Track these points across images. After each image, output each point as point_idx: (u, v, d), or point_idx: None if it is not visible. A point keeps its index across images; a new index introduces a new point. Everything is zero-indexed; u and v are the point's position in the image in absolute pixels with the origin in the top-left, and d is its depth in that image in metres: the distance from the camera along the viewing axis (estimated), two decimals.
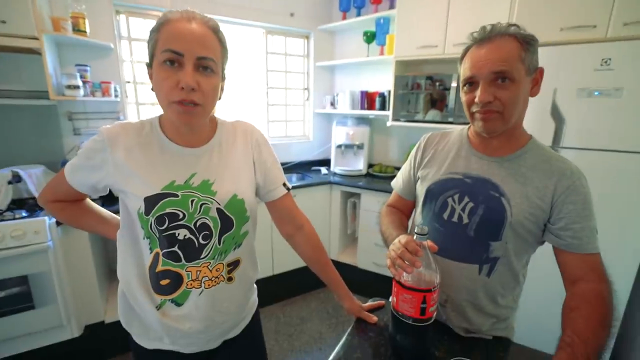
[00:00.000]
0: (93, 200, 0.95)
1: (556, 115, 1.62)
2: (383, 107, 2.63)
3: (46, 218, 1.57)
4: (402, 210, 1.05)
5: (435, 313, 0.74)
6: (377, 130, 2.95)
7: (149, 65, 0.72)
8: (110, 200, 1.80)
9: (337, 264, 0.99)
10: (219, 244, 0.78)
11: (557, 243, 0.78)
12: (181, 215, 0.73)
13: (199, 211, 0.74)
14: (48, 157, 2.00)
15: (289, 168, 2.94)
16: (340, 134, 2.80)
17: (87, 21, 1.88)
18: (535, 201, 0.78)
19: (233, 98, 2.74)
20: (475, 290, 0.84)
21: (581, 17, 1.56)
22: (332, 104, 3.03)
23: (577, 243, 0.75)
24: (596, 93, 1.51)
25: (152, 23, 0.69)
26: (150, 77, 0.72)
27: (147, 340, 0.82)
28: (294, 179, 2.75)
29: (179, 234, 0.74)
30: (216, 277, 0.79)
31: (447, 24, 2.11)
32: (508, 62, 0.72)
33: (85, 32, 1.87)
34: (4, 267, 1.49)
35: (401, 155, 2.83)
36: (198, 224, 0.75)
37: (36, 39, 1.64)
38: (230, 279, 0.82)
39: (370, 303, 0.99)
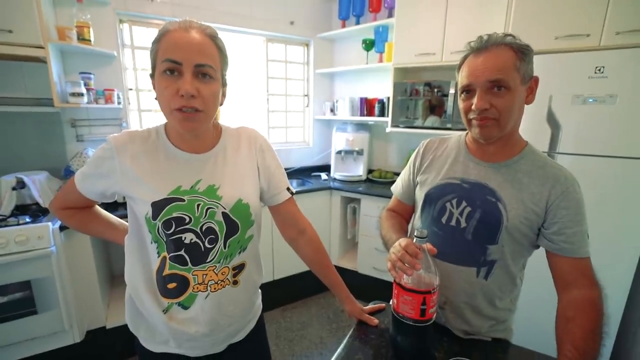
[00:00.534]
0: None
1: (552, 121, 1.65)
2: (382, 113, 2.66)
3: (49, 224, 1.58)
4: (402, 215, 1.07)
5: (435, 314, 0.76)
6: (376, 136, 2.99)
7: (152, 76, 0.74)
8: (112, 206, 1.83)
9: (338, 269, 1.00)
10: (225, 248, 0.79)
11: (550, 247, 0.80)
12: (187, 220, 0.75)
13: (205, 215, 0.76)
14: (51, 164, 2.02)
15: (290, 174, 2.96)
16: (340, 140, 2.83)
17: (91, 30, 1.91)
18: (530, 206, 0.80)
19: (235, 105, 2.78)
20: (473, 293, 0.86)
21: (575, 26, 1.60)
22: (332, 111, 3.06)
23: (569, 247, 0.77)
24: (590, 100, 1.55)
25: (154, 32, 0.72)
26: (154, 87, 0.74)
27: (153, 344, 0.83)
28: (295, 185, 2.77)
29: (185, 238, 0.76)
30: (222, 281, 0.81)
31: (445, 33, 2.15)
32: (504, 71, 0.74)
33: (89, 40, 1.91)
34: (7, 272, 1.50)
35: (400, 161, 2.86)
36: (204, 228, 0.77)
37: (42, 47, 1.67)
38: (235, 283, 0.83)
39: (371, 306, 1.00)
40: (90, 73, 2.00)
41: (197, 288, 0.78)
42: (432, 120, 2.31)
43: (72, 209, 0.91)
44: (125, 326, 0.87)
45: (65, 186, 0.87)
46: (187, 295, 0.78)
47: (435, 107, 2.29)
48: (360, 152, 2.81)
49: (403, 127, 2.45)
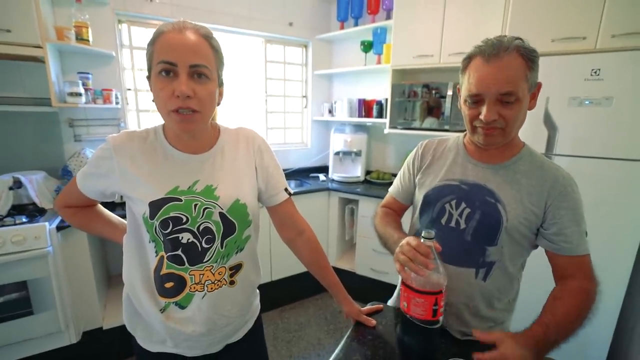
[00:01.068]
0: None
1: (549, 123, 1.66)
2: (380, 114, 2.67)
3: (46, 224, 1.58)
4: (397, 212, 1.08)
5: (443, 314, 0.76)
6: (374, 137, 2.99)
7: (148, 78, 0.74)
8: (110, 206, 1.82)
9: (335, 270, 1.00)
10: (222, 248, 0.80)
11: (550, 247, 0.81)
12: (185, 219, 0.75)
13: (202, 215, 0.77)
14: (49, 163, 2.01)
15: (288, 175, 2.96)
16: (338, 141, 2.84)
17: (90, 30, 1.91)
18: (529, 207, 0.81)
19: (233, 105, 2.78)
20: (472, 294, 0.86)
21: (571, 29, 1.62)
22: (330, 112, 3.07)
23: (568, 247, 0.78)
24: (587, 102, 1.56)
25: (152, 32, 0.72)
26: (151, 89, 0.74)
27: (150, 343, 0.83)
28: (293, 186, 2.78)
29: (182, 238, 0.76)
30: (219, 281, 0.81)
31: (443, 35, 2.16)
32: (515, 83, 0.73)
33: (88, 40, 1.90)
34: (3, 272, 1.49)
35: (398, 162, 2.86)
36: (201, 228, 0.77)
37: (40, 47, 1.66)
38: (232, 283, 0.83)
39: (369, 307, 1.00)
40: (88, 73, 2.00)
41: (194, 288, 0.78)
42: (430, 121, 2.32)
43: (74, 207, 0.92)
44: (122, 327, 0.87)
45: (68, 185, 0.88)
46: (184, 294, 0.78)
47: (433, 109, 2.30)
48: (358, 153, 2.82)
49: (401, 129, 2.46)
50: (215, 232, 0.78)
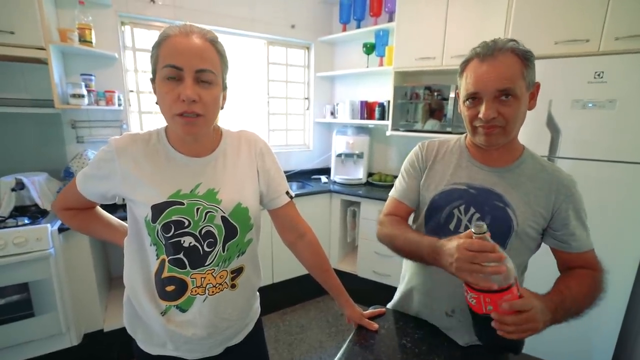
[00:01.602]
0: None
1: (552, 125, 1.65)
2: (382, 116, 2.67)
3: (48, 225, 1.58)
4: (404, 218, 1.00)
5: None
6: (376, 139, 2.99)
7: (152, 80, 0.74)
8: (111, 208, 1.82)
9: (337, 272, 0.99)
10: (223, 252, 0.79)
11: (560, 246, 0.83)
12: (187, 223, 0.75)
13: (204, 219, 0.76)
14: (51, 165, 2.01)
15: (290, 177, 2.96)
16: (340, 143, 2.83)
17: (93, 32, 1.92)
18: (537, 209, 0.82)
19: (235, 107, 2.78)
20: None
21: (575, 31, 1.61)
22: (332, 114, 3.07)
23: (577, 245, 0.82)
24: (590, 105, 1.55)
25: (155, 34, 0.72)
26: (154, 92, 0.74)
27: (151, 346, 0.83)
28: (294, 188, 2.77)
29: (184, 241, 0.75)
30: (220, 284, 0.80)
31: (445, 37, 2.16)
32: (511, 80, 0.74)
33: (91, 42, 1.91)
34: (5, 274, 1.49)
35: (400, 164, 2.80)
36: (203, 231, 0.77)
37: (43, 49, 1.67)
38: (233, 286, 0.83)
39: (371, 310, 1.00)
40: (91, 74, 2.00)
41: (195, 291, 0.78)
42: (431, 124, 2.32)
43: (73, 209, 0.91)
44: (123, 329, 0.86)
45: (67, 187, 0.87)
46: (185, 298, 0.78)
47: (435, 111, 2.30)
48: (360, 156, 2.82)
49: (403, 131, 2.45)
50: (217, 235, 0.78)
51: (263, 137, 0.92)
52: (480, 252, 0.63)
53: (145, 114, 2.41)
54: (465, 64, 0.82)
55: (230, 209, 0.78)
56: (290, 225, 0.95)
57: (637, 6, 1.47)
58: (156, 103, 0.74)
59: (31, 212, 1.74)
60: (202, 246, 0.77)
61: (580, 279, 0.78)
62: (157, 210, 0.73)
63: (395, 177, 2.77)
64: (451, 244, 0.69)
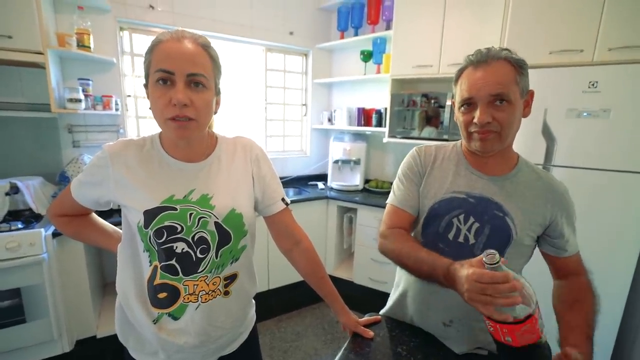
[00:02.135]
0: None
1: (547, 134, 1.67)
2: (379, 123, 2.68)
3: (42, 230, 1.56)
4: (408, 230, 0.93)
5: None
6: (373, 146, 3.00)
7: (146, 86, 0.74)
8: (107, 214, 1.81)
9: (333, 279, 0.98)
10: (216, 258, 0.79)
11: (554, 252, 0.86)
12: (179, 229, 0.74)
13: (197, 225, 0.76)
14: (47, 169, 2.00)
15: (286, 182, 2.96)
16: (337, 150, 2.84)
17: (91, 37, 1.92)
18: (534, 218, 0.83)
19: (233, 113, 2.79)
20: None
21: (569, 41, 1.63)
22: (330, 120, 3.08)
23: (570, 249, 0.86)
24: (585, 114, 1.57)
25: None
26: (148, 97, 0.74)
27: (142, 355, 0.82)
28: (291, 194, 2.77)
29: (177, 247, 0.75)
30: (213, 291, 0.80)
31: (442, 45, 2.18)
32: (505, 85, 0.75)
33: (89, 47, 1.91)
34: None
35: (397, 171, 2.85)
36: (196, 237, 0.76)
37: (41, 53, 1.67)
38: (227, 293, 0.82)
39: (366, 318, 0.99)
40: (88, 79, 2.00)
41: (188, 298, 0.77)
42: (428, 131, 2.33)
43: (68, 216, 0.90)
44: (116, 336, 0.85)
45: (62, 193, 0.86)
46: (178, 305, 0.77)
47: (432, 118, 2.31)
48: (357, 162, 2.82)
49: (400, 138, 2.46)
50: (210, 241, 0.77)
51: (260, 143, 0.92)
52: (491, 284, 0.58)
53: (142, 118, 2.41)
54: (460, 71, 0.83)
55: (223, 215, 0.78)
56: (285, 233, 0.95)
57: (629, 18, 1.49)
58: (149, 108, 0.74)
59: (25, 217, 1.72)
60: (194, 252, 0.76)
61: (588, 302, 0.82)
62: (150, 215, 0.73)
63: (392, 183, 2.79)
64: (462, 272, 0.64)
